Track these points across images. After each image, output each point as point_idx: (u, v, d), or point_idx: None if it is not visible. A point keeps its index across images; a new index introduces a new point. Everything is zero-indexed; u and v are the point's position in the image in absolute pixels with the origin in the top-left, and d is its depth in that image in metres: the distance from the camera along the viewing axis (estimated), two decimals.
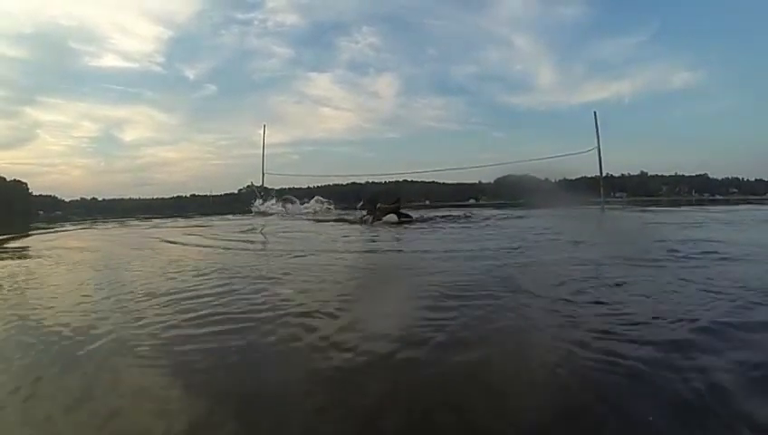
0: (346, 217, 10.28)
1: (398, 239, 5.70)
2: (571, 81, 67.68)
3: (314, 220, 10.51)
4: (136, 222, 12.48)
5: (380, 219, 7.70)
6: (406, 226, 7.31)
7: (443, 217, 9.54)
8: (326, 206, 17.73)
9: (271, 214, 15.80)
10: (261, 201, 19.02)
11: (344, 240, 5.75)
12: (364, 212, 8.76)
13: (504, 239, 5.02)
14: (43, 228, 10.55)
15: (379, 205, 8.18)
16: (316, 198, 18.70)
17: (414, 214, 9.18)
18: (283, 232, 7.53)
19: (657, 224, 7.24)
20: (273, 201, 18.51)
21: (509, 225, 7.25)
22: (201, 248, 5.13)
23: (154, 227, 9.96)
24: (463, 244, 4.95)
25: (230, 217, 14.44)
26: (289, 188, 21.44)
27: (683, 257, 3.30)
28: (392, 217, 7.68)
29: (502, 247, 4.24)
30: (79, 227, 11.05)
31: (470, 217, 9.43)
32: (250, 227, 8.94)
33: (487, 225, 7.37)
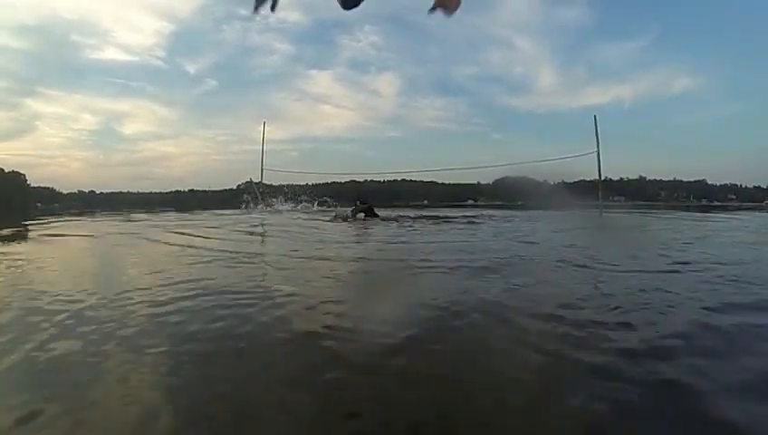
0: (322, 217, 10.75)
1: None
2: (572, 84, 67.44)
3: (299, 217, 10.83)
4: (118, 218, 12.61)
5: (355, 216, 9.62)
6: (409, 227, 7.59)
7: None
8: (329, 204, 18.11)
9: (262, 211, 15.91)
10: (258, 199, 19.01)
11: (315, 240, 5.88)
12: (348, 211, 10.19)
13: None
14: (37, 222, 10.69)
15: (357, 203, 10.20)
16: (319, 200, 19.34)
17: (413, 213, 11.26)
18: (261, 229, 7.85)
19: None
20: (281, 199, 18.76)
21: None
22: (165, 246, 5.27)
23: (130, 221, 10.16)
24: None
25: (217, 211, 14.75)
26: (287, 185, 21.49)
27: None
28: (362, 215, 9.61)
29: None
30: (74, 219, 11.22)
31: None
32: (232, 223, 9.14)
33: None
